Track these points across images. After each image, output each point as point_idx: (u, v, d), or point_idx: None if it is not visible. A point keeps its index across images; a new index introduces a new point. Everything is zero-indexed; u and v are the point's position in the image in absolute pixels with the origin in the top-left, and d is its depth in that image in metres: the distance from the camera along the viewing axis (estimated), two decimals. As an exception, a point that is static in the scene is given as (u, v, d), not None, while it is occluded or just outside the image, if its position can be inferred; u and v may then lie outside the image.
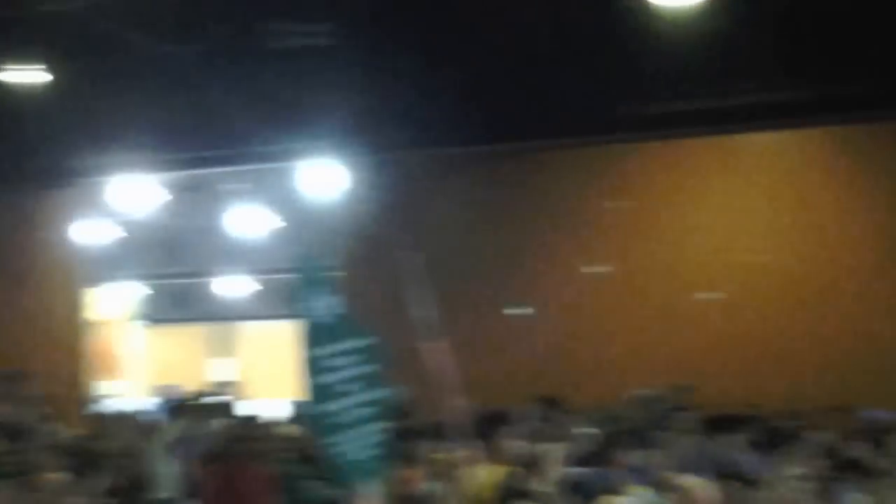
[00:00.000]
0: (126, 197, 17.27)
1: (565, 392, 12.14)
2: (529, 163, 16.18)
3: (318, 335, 4.64)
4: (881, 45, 11.72)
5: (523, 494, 5.35)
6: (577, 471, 8.07)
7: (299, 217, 20.32)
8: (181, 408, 9.97)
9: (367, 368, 4.85)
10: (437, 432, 10.16)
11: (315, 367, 4.61)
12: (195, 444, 10.50)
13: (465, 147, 15.20)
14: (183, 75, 13.47)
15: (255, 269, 25.64)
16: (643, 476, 7.93)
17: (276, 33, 12.94)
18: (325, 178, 15.42)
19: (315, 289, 4.66)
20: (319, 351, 4.62)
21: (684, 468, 8.34)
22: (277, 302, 26.89)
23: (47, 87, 13.95)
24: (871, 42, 11.73)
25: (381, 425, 4.84)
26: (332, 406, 4.64)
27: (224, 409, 10.38)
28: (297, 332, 4.60)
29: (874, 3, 11.46)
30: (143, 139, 14.52)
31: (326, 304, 4.65)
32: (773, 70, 12.47)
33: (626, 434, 8.97)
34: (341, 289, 4.74)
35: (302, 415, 11.95)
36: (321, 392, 4.61)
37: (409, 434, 8.48)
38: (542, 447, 8.21)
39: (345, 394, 4.71)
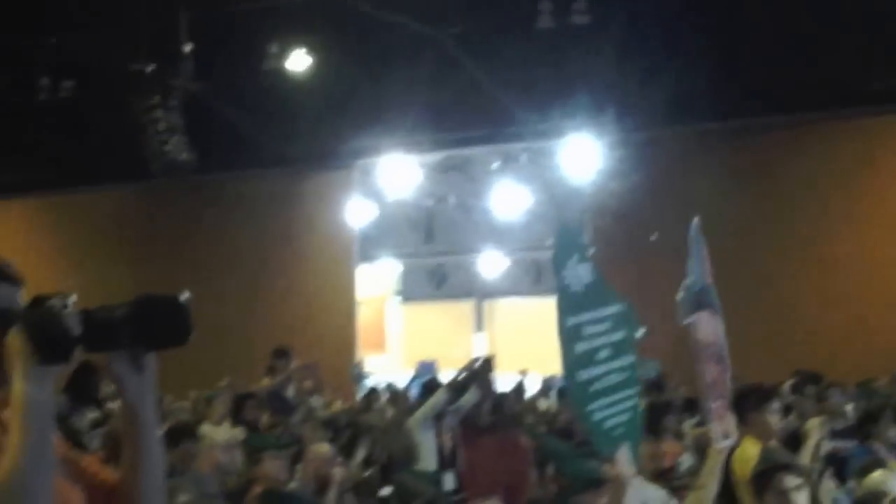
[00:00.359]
0: (390, 177, 17.72)
1: (825, 367, 11.77)
2: (791, 136, 15.73)
3: (573, 304, 4.63)
4: None
5: (784, 468, 5.19)
6: (837, 445, 7.85)
7: (555, 195, 20.35)
8: (440, 382, 10.14)
9: (617, 336, 4.82)
10: (692, 407, 10.04)
11: (571, 335, 4.60)
12: (454, 418, 10.68)
13: (724, 122, 14.94)
14: (444, 57, 13.71)
15: (508, 247, 25.87)
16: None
17: (535, 13, 13.00)
18: (583, 156, 15.41)
19: (571, 257, 4.66)
20: (574, 319, 4.61)
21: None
22: (530, 278, 27.08)
23: (315, 72, 14.46)
24: None
25: (631, 392, 4.80)
26: (588, 374, 4.64)
27: (482, 383, 10.50)
28: (556, 302, 4.62)
29: None
30: (406, 121, 14.87)
31: (580, 273, 4.65)
32: None
33: (888, 410, 8.63)
34: (594, 258, 4.72)
35: (561, 385, 12.03)
36: (578, 360, 4.61)
37: (663, 408, 8.40)
38: (801, 422, 8.00)
39: (598, 362, 4.71)
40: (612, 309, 4.80)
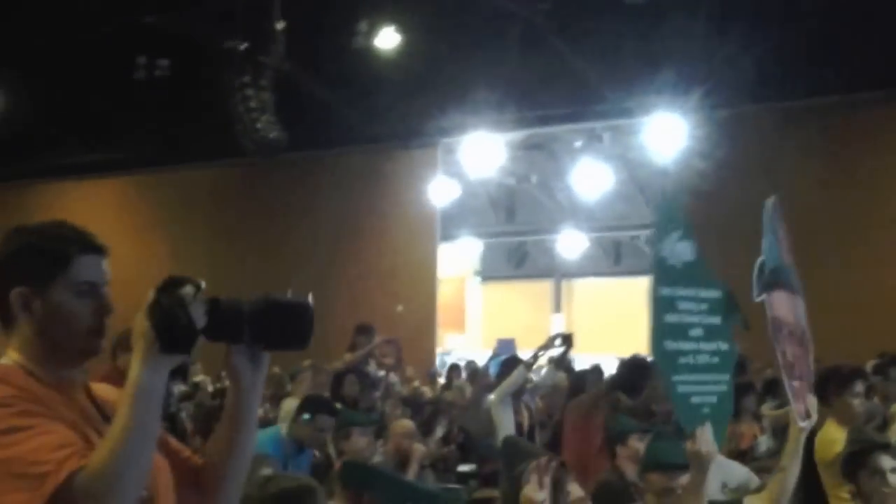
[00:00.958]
0: (473, 156, 17.74)
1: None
2: (881, 113, 15.44)
3: (668, 276, 4.64)
4: None
5: (881, 448, 5.13)
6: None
7: (637, 174, 20.23)
8: (518, 360, 10.20)
9: (712, 320, 4.80)
10: (773, 389, 9.97)
11: (664, 305, 4.61)
12: (531, 397, 10.71)
13: (812, 99, 14.74)
14: (531, 34, 13.68)
15: (588, 227, 25.75)
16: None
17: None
18: (667, 134, 15.29)
19: (671, 232, 4.66)
20: (669, 291, 4.62)
21: None
22: (609, 259, 26.98)
23: (403, 50, 14.51)
24: None
25: (722, 378, 4.80)
26: (677, 346, 4.65)
27: (560, 363, 10.54)
28: (652, 271, 4.63)
29: None
30: (492, 99, 14.87)
31: (679, 250, 4.64)
32: None
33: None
34: (695, 236, 4.71)
35: (650, 353, 11.92)
36: (668, 329, 4.62)
37: (743, 389, 8.37)
38: (886, 405, 7.95)
39: (689, 338, 4.70)
40: (711, 293, 4.78)
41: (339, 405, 9.29)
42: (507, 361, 10.47)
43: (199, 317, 2.32)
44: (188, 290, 2.32)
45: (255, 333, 2.43)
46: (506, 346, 21.11)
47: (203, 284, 2.34)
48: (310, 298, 2.45)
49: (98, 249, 2.53)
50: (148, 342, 2.29)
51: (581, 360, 13.16)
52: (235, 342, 2.47)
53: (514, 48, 13.95)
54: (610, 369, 13.39)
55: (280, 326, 2.43)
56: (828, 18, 12.93)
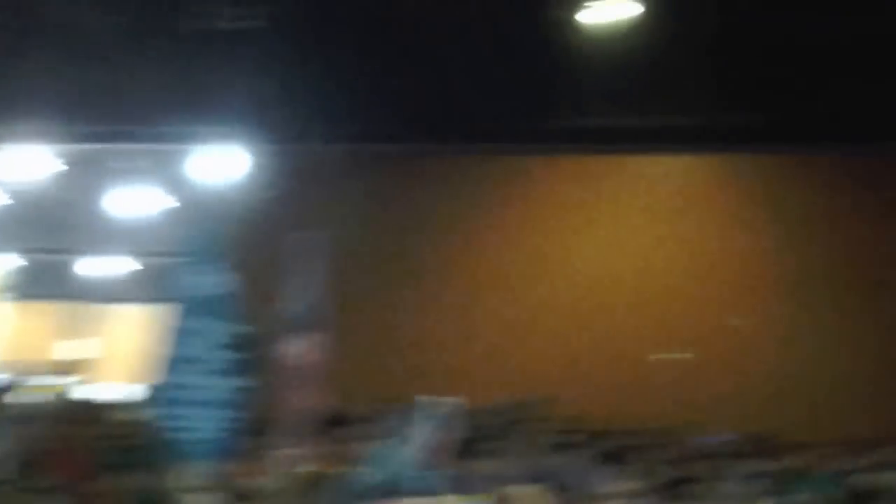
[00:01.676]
0: (15, 167, 16.80)
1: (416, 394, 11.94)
2: (444, 165, 16.08)
3: (186, 308, 4.36)
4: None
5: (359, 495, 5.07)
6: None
7: (189, 200, 19.88)
8: (16, 385, 9.60)
9: (233, 355, 4.58)
10: (280, 428, 9.85)
11: (176, 337, 4.32)
12: (24, 424, 10.07)
13: (356, 143, 15.09)
14: (94, 46, 13.15)
15: (134, 251, 25.19)
16: (468, 484, 7.70)
17: (195, 14, 12.76)
18: (222, 163, 15.21)
19: (200, 263, 4.39)
20: (182, 323, 4.35)
21: (517, 479, 8.20)
22: (150, 285, 26.31)
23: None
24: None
25: (234, 413, 4.57)
26: (180, 379, 4.38)
27: (61, 389, 9.99)
28: (171, 302, 4.35)
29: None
30: (43, 108, 14.08)
31: (207, 281, 4.37)
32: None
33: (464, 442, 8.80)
34: (230, 272, 4.45)
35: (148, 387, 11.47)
36: (173, 364, 4.34)
37: (250, 428, 8.14)
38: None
39: (200, 372, 4.44)
40: (234, 328, 4.57)
41: None
42: (6, 386, 9.89)
43: None
44: None
45: None
46: (10, 369, 20.09)
47: None
48: None
49: None
50: None
51: (107, 389, 12.69)
52: None
53: (72, 59, 13.35)
54: (135, 396, 12.90)
55: None
56: (402, 65, 13.25)
